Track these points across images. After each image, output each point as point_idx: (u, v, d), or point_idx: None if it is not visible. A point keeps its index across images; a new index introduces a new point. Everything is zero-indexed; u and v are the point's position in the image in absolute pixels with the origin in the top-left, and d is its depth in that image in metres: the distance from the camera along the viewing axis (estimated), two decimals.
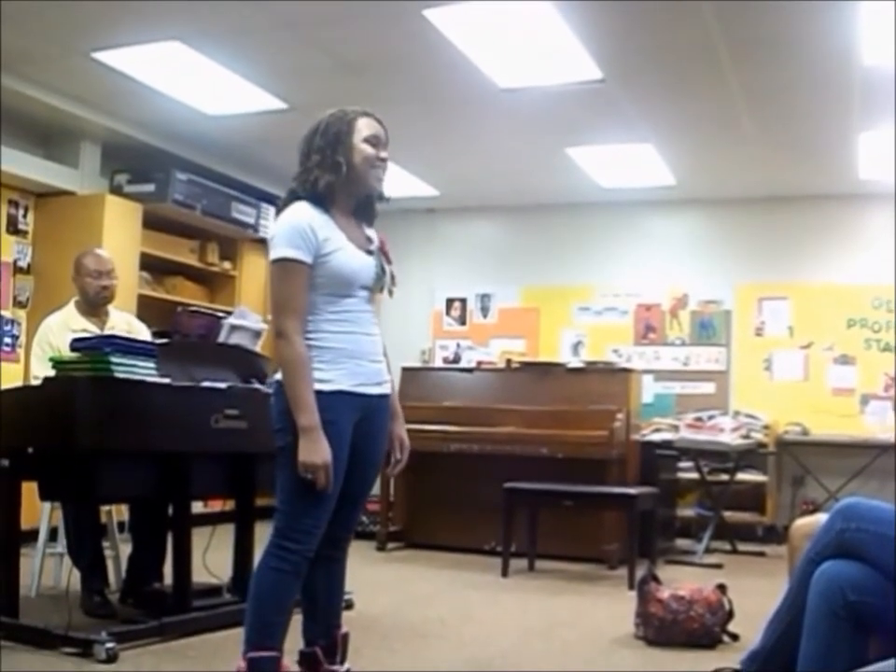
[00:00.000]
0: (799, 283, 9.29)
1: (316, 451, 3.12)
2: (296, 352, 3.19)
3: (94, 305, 5.32)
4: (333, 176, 3.31)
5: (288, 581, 3.25)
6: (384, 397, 3.46)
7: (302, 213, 3.28)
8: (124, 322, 5.42)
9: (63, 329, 5.13)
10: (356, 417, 3.31)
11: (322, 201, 3.32)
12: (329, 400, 3.20)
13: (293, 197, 3.36)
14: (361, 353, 3.34)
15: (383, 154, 3.40)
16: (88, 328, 5.16)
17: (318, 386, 3.20)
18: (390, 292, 3.54)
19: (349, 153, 3.33)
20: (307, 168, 3.35)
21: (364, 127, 3.36)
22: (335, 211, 3.35)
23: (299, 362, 3.19)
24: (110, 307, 5.40)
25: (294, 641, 3.48)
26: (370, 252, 3.42)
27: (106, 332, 5.08)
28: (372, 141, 3.37)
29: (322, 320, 3.28)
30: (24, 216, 7.83)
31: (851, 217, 9.18)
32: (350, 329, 3.32)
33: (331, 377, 3.24)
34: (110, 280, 5.33)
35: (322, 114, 3.41)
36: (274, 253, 3.26)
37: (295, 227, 3.25)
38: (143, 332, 5.46)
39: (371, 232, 3.50)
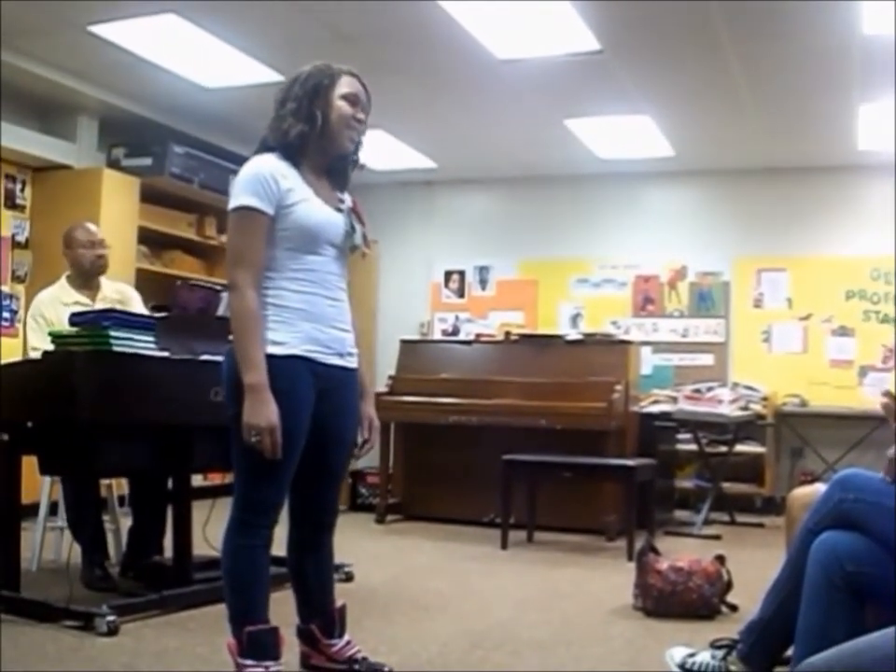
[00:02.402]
0: (798, 254, 9.27)
1: (261, 412, 3.00)
2: (246, 305, 3.06)
3: (89, 276, 5.31)
4: (307, 127, 3.21)
5: (259, 553, 3.20)
6: (349, 370, 3.34)
7: (266, 162, 3.19)
8: (115, 292, 5.39)
9: (55, 303, 5.15)
10: (316, 386, 3.20)
11: (292, 152, 3.23)
12: (282, 366, 3.08)
13: (264, 147, 3.26)
14: (322, 317, 3.21)
15: (360, 115, 3.30)
16: (80, 300, 5.17)
17: (271, 349, 3.09)
18: (363, 253, 3.43)
19: (326, 107, 3.23)
20: (280, 115, 3.25)
21: (345, 84, 3.28)
22: (305, 166, 3.26)
23: (248, 316, 3.06)
24: (102, 278, 5.39)
25: (292, 614, 3.50)
26: (339, 210, 3.32)
27: (98, 304, 5.10)
28: (351, 99, 3.28)
29: (282, 277, 3.17)
30: (22, 190, 7.82)
31: (850, 189, 9.16)
32: (312, 290, 3.20)
33: (286, 339, 3.13)
34: (104, 249, 5.34)
35: (306, 66, 3.33)
36: (232, 201, 3.15)
37: (256, 175, 3.15)
38: (134, 298, 5.46)
39: (344, 196, 3.40)
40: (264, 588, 3.24)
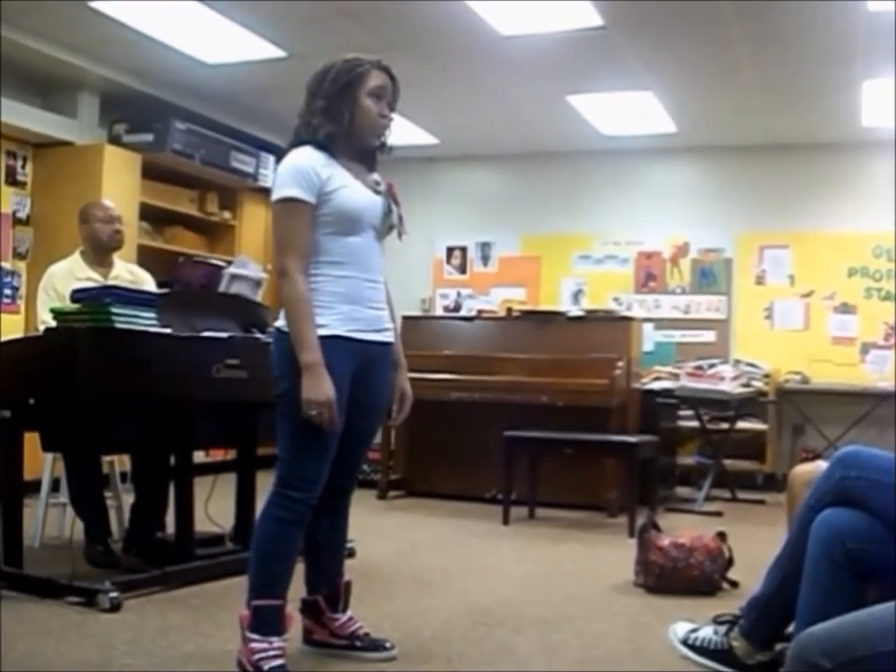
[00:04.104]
0: (800, 231, 9.26)
1: (319, 387, 3.10)
2: (298, 290, 3.17)
3: (106, 251, 5.35)
4: (335, 127, 3.29)
5: (292, 530, 3.27)
6: (385, 345, 3.44)
7: (305, 154, 3.27)
8: (127, 272, 5.44)
9: (68, 276, 5.14)
10: (354, 364, 3.29)
11: (324, 146, 3.29)
12: (323, 346, 3.16)
13: (298, 141, 3.33)
14: (360, 298, 3.32)
15: (385, 111, 3.39)
16: (93, 276, 5.17)
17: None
18: (400, 234, 3.53)
19: (354, 106, 3.31)
20: (310, 111, 3.33)
21: (373, 78, 3.34)
22: (339, 155, 3.33)
23: (301, 300, 3.17)
24: (115, 257, 5.42)
25: (297, 590, 3.51)
26: (377, 192, 3.41)
27: (110, 282, 5.09)
28: (377, 93, 3.34)
29: (324, 262, 3.26)
30: (23, 166, 7.80)
31: (853, 165, 9.15)
32: (351, 273, 3.29)
33: (327, 322, 3.21)
34: (121, 225, 5.40)
35: (336, 57, 3.37)
36: (277, 193, 3.25)
37: (297, 167, 3.24)
38: (147, 281, 5.48)
39: (377, 177, 3.48)
40: (288, 564, 3.29)
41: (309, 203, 3.21)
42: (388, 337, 3.47)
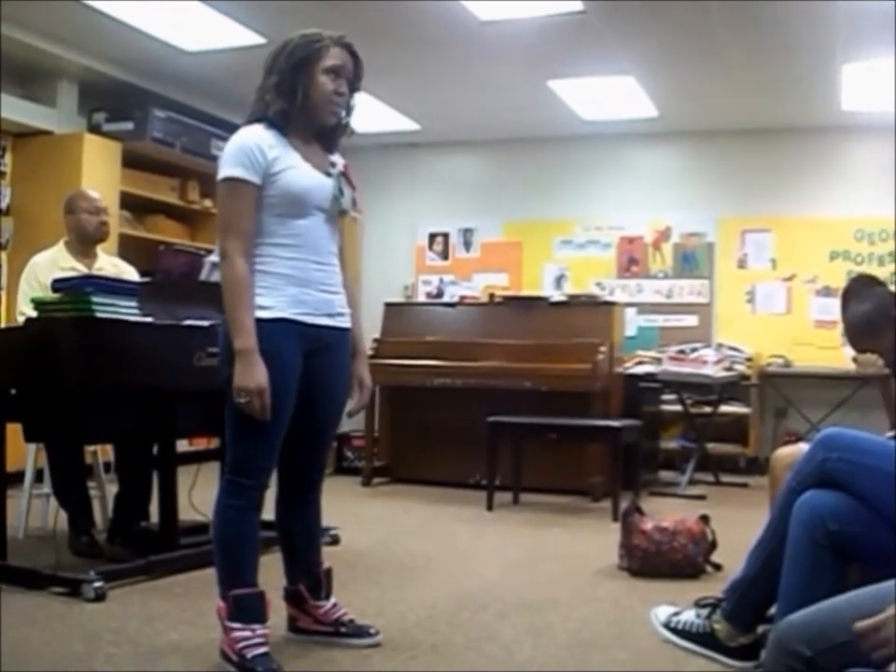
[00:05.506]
0: (782, 215, 9.28)
1: (250, 375, 3.06)
2: (235, 273, 3.13)
3: (91, 243, 5.32)
4: (287, 104, 3.23)
5: (247, 515, 3.24)
6: (339, 330, 3.38)
7: (251, 133, 3.22)
8: (111, 265, 5.41)
9: (51, 267, 5.11)
10: (304, 349, 3.24)
11: (277, 124, 3.24)
12: (269, 329, 3.13)
13: (252, 118, 3.28)
14: (308, 280, 3.25)
15: (342, 89, 3.29)
16: (76, 267, 5.15)
17: (259, 314, 3.14)
18: (353, 217, 3.44)
19: (308, 82, 3.23)
20: (264, 87, 3.27)
21: (331, 56, 3.25)
22: (292, 133, 3.27)
23: (237, 283, 3.13)
24: (98, 249, 5.39)
25: (280, 577, 3.52)
26: (329, 174, 3.33)
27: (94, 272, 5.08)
28: (334, 71, 3.26)
29: (271, 244, 3.21)
30: (2, 156, 7.77)
31: (834, 149, 9.17)
32: (299, 256, 3.23)
33: (272, 304, 3.17)
34: (107, 216, 5.38)
35: (296, 33, 3.30)
36: (220, 172, 3.21)
37: (241, 147, 3.19)
38: (130, 273, 5.45)
39: (335, 158, 3.40)
40: (252, 551, 3.27)
41: (252, 183, 3.16)
42: (343, 322, 3.40)
